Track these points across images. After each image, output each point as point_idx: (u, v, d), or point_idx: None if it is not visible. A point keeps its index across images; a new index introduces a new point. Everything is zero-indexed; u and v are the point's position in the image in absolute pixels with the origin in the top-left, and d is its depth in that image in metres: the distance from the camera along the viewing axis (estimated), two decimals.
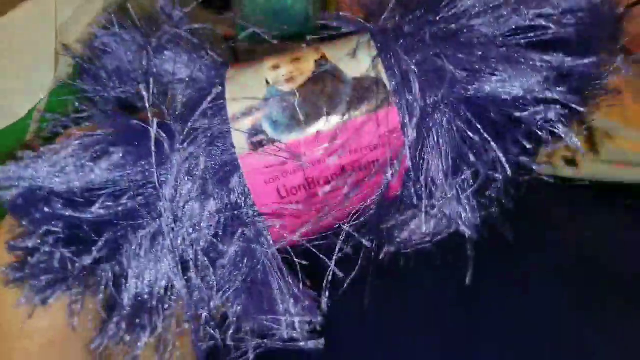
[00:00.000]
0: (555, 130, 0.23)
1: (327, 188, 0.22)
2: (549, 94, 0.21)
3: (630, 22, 0.50)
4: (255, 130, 0.21)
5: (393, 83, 0.21)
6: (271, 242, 0.23)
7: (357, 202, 0.23)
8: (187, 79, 0.23)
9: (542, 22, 0.22)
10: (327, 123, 0.21)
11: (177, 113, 0.22)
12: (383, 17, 0.23)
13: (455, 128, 0.22)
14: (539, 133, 0.23)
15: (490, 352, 0.34)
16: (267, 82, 0.22)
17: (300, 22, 0.52)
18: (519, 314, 0.35)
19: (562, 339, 0.35)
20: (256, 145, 0.21)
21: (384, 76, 0.21)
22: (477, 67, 0.21)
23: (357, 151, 0.22)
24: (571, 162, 0.45)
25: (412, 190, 0.23)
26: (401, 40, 0.22)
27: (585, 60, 0.22)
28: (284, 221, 0.22)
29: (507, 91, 0.21)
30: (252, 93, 0.21)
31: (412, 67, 0.21)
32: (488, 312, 0.35)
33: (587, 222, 0.43)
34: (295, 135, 0.21)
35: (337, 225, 0.24)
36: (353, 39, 0.23)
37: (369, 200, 0.23)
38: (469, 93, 0.21)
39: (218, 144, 0.21)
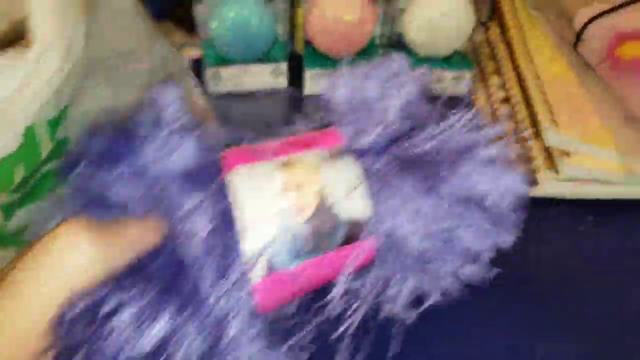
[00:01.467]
0: None
1: (312, 281, 0.27)
2: None
3: (590, 38, 0.52)
4: (269, 265, 0.25)
5: (372, 222, 0.27)
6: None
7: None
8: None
9: None
10: (323, 253, 0.27)
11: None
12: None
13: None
14: None
15: None
16: (281, 214, 0.26)
17: (266, 43, 0.53)
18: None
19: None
20: (267, 273, 0.25)
21: (365, 221, 0.27)
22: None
23: (341, 266, 0.27)
24: (532, 181, 0.45)
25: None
26: (382, 180, 0.27)
27: None
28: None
29: None
30: (268, 224, 0.25)
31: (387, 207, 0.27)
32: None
33: (550, 238, 0.44)
34: (298, 262, 0.26)
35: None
36: (344, 171, 0.27)
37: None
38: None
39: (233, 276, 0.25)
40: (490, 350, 0.36)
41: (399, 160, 0.28)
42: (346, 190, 0.27)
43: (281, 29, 0.54)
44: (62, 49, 0.26)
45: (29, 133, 0.25)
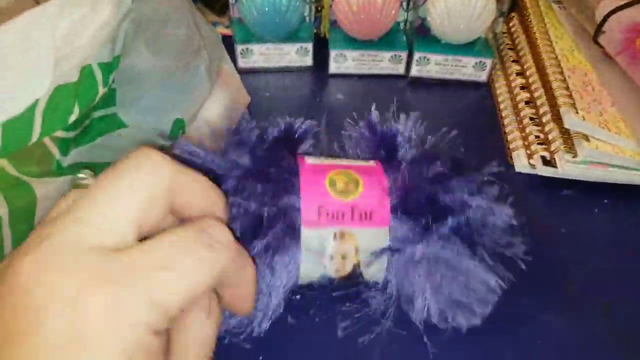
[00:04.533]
0: None
1: None
2: None
3: (610, 30, 0.53)
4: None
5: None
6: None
7: None
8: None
9: None
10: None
11: None
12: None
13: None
14: None
15: None
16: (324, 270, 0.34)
17: (295, 25, 0.54)
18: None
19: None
20: None
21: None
22: None
23: None
24: (549, 162, 0.47)
25: None
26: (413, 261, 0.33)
27: None
28: None
29: None
30: (314, 272, 0.34)
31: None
32: None
33: (566, 217, 0.45)
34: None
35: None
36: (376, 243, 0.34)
37: None
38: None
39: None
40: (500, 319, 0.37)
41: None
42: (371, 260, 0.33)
43: (308, 11, 0.56)
44: (115, 1, 0.28)
45: (86, 70, 0.27)
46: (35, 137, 0.27)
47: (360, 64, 0.57)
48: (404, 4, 0.56)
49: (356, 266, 0.34)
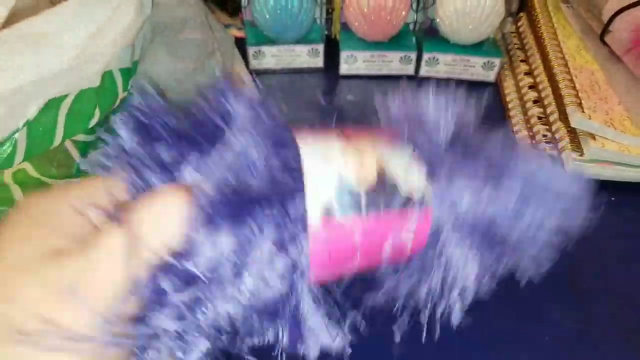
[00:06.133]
0: None
1: (362, 251, 0.27)
2: None
3: (617, 29, 0.54)
4: (326, 207, 0.26)
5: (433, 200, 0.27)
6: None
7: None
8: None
9: None
10: (381, 214, 0.26)
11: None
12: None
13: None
14: None
15: None
16: (339, 177, 0.27)
17: (306, 27, 0.55)
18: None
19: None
20: (325, 216, 0.26)
21: (428, 198, 0.27)
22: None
23: (398, 235, 0.27)
24: (558, 161, 0.47)
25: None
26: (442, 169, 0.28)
27: None
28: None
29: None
30: (327, 182, 0.26)
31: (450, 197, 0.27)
32: None
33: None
34: (356, 214, 0.26)
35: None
36: (405, 158, 0.28)
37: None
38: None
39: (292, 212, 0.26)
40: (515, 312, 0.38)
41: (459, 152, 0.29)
42: (405, 165, 0.27)
43: (319, 13, 0.57)
44: (137, 2, 0.29)
45: (107, 75, 0.28)
46: (58, 141, 0.28)
47: (371, 65, 0.58)
48: (414, 5, 0.57)
49: (381, 172, 0.27)
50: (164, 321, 0.24)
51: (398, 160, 0.28)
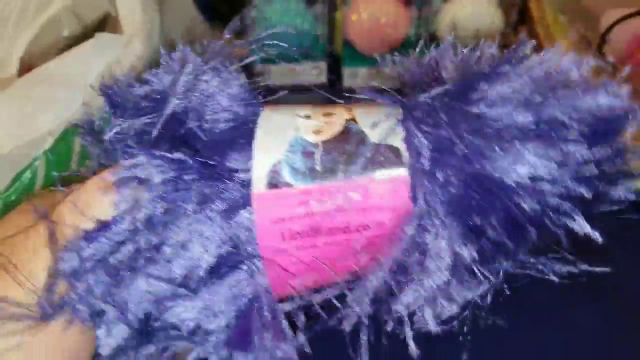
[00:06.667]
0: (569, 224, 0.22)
1: (328, 239, 0.22)
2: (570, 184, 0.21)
3: (614, 40, 0.55)
4: (274, 172, 0.22)
5: (408, 155, 0.22)
6: (266, 283, 0.23)
7: (353, 262, 0.23)
8: (227, 111, 0.24)
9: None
10: (341, 179, 0.22)
11: (209, 142, 0.23)
12: (416, 96, 0.25)
13: (460, 208, 0.22)
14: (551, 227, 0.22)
15: None
16: (296, 129, 0.23)
17: (309, 44, 0.57)
18: None
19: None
20: (271, 186, 0.22)
21: (402, 148, 0.23)
22: (492, 145, 0.22)
23: (364, 211, 0.22)
24: None
25: (409, 259, 0.23)
26: (423, 118, 0.23)
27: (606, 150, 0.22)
28: (281, 267, 0.23)
29: (518, 174, 0.21)
30: (280, 136, 0.23)
31: (426, 143, 0.22)
32: None
33: None
34: (309, 184, 0.22)
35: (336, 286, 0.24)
36: (383, 108, 0.24)
37: (364, 261, 0.23)
38: (477, 168, 0.21)
39: (235, 178, 0.22)
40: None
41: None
42: (382, 118, 0.23)
43: (321, 30, 0.58)
44: (145, 37, 0.31)
45: None
46: (74, 165, 0.30)
47: (373, 80, 0.59)
48: (414, 19, 0.59)
49: (350, 122, 0.23)
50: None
51: (374, 114, 0.24)
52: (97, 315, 0.23)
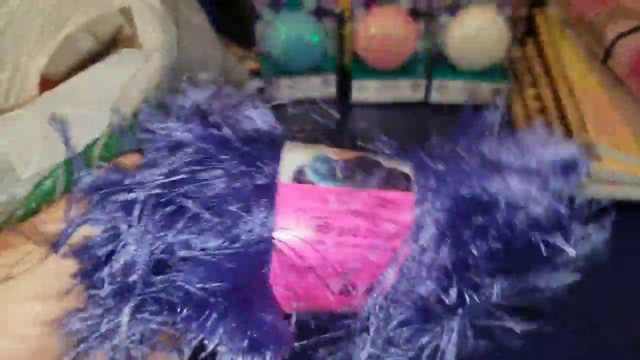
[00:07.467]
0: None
1: (337, 240, 0.25)
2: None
3: (618, 54, 0.55)
4: (299, 172, 0.26)
5: (416, 181, 0.26)
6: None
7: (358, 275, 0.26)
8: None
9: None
10: (359, 187, 0.26)
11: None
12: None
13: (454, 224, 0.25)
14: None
15: None
16: (320, 149, 0.27)
17: (318, 58, 0.58)
18: None
19: None
20: (296, 181, 0.25)
21: (411, 174, 0.27)
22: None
23: (373, 218, 0.25)
24: None
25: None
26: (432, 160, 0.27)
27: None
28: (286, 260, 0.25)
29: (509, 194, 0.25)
30: (306, 151, 0.27)
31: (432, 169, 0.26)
32: None
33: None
34: (330, 185, 0.25)
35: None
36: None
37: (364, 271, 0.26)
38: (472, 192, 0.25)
39: (264, 170, 0.26)
40: None
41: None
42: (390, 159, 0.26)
43: (330, 44, 0.59)
44: (164, 51, 0.32)
45: (134, 121, 0.30)
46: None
47: (381, 93, 0.60)
48: (422, 33, 0.60)
49: (364, 156, 0.27)
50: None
51: (384, 157, 0.27)
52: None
